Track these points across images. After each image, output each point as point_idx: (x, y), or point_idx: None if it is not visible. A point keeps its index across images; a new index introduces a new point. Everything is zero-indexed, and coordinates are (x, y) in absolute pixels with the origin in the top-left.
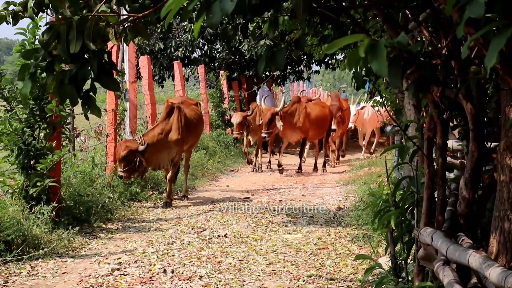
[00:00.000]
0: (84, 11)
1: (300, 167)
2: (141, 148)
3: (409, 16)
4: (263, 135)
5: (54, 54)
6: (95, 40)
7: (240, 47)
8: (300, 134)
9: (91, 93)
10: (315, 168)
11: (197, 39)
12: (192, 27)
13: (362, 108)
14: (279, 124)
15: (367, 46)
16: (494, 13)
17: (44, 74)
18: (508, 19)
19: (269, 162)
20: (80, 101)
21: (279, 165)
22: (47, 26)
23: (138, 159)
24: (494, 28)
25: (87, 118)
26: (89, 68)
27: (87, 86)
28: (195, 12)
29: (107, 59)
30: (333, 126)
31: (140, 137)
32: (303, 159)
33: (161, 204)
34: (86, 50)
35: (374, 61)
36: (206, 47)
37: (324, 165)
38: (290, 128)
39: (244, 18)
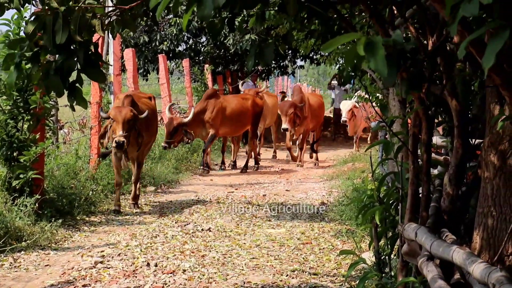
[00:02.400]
0: (71, 2)
1: (206, 165)
2: (142, 115)
3: (396, 12)
4: (163, 144)
5: (40, 44)
6: (82, 31)
7: (225, 41)
8: (209, 129)
9: (77, 85)
10: (245, 168)
11: (185, 31)
12: (178, 21)
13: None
14: (188, 135)
15: (364, 44)
16: (484, 11)
17: (29, 65)
18: (506, 19)
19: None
20: (66, 93)
21: (204, 164)
22: (33, 16)
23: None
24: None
25: (73, 110)
26: (75, 59)
27: (73, 77)
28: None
29: (93, 50)
30: (284, 125)
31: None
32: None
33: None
34: (72, 41)
35: (372, 59)
36: (191, 40)
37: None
38: (200, 125)
39: (231, 12)
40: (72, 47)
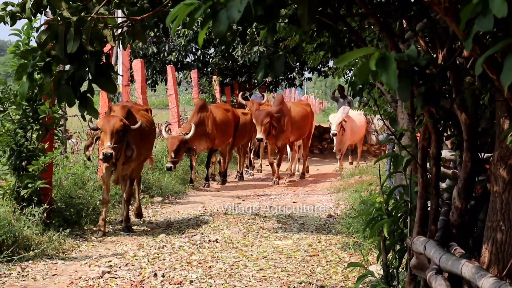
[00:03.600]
0: (83, 13)
1: (207, 178)
2: (133, 127)
3: (406, 25)
4: (168, 165)
5: (53, 54)
6: (93, 41)
7: (233, 53)
8: (208, 143)
9: (88, 94)
10: (223, 179)
11: (200, 47)
12: (186, 32)
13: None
14: (191, 151)
15: (377, 59)
16: (497, 27)
17: (40, 75)
18: None
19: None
20: (77, 102)
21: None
22: (46, 25)
23: (125, 139)
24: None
25: (85, 119)
26: (87, 69)
27: (84, 87)
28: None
29: (104, 60)
30: (259, 135)
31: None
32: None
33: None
34: (83, 51)
35: (384, 75)
36: (199, 52)
37: (241, 176)
38: (198, 138)
39: (242, 25)
40: (83, 57)
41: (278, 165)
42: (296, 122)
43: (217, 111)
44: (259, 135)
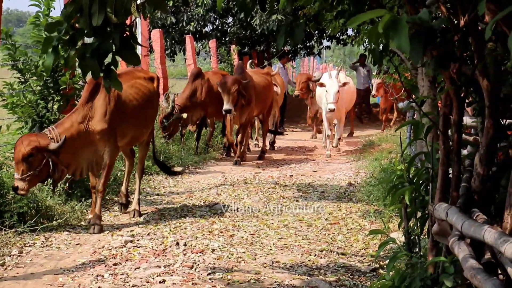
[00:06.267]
0: None
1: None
2: (53, 145)
3: None
4: (163, 139)
5: (77, 27)
6: (118, 13)
7: (251, 22)
8: (200, 112)
9: (112, 67)
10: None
11: (220, 11)
12: (205, 2)
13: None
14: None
15: (387, 22)
16: None
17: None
18: None
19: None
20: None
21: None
22: None
23: (49, 161)
24: None
25: (109, 92)
26: (111, 41)
27: (107, 60)
28: None
29: (128, 33)
30: (226, 106)
31: (51, 129)
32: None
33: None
34: (108, 24)
35: (396, 37)
36: (217, 21)
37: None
38: (192, 108)
39: None
40: (108, 30)
41: (241, 142)
42: (258, 93)
43: (214, 77)
44: (227, 105)
